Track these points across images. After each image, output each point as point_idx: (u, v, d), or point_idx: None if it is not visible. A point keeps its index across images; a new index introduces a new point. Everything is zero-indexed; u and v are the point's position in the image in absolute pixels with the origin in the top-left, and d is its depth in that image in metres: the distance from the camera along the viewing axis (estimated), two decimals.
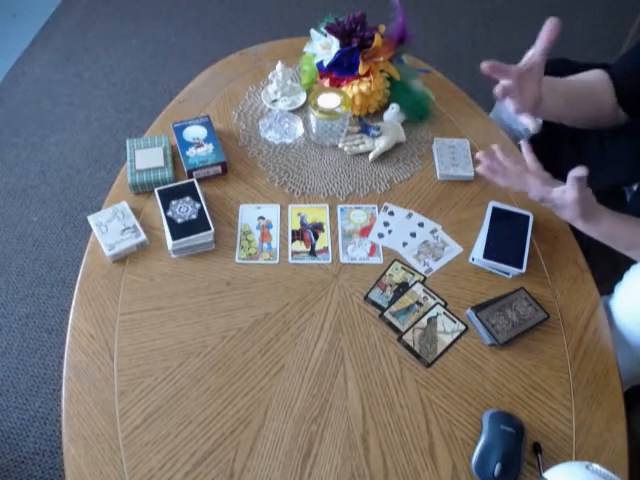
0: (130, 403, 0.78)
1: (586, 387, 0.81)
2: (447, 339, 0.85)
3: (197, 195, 0.97)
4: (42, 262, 1.53)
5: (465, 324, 0.86)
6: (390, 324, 0.86)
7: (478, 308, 0.86)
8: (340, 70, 1.08)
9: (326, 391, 0.80)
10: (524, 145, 0.87)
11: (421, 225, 0.98)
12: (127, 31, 2.24)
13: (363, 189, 1.04)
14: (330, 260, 0.93)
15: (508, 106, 0.83)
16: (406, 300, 0.89)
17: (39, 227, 1.61)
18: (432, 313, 0.87)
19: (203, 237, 0.92)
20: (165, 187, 0.98)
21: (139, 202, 1.00)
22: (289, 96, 1.17)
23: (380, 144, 1.07)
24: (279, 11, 2.32)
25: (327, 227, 0.98)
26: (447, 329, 0.86)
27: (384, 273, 0.92)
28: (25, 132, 1.86)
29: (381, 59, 1.08)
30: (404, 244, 0.96)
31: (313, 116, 1.05)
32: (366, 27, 1.07)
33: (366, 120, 1.12)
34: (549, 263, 0.93)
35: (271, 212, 1.00)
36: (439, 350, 0.84)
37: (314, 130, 1.08)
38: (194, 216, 0.94)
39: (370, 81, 1.07)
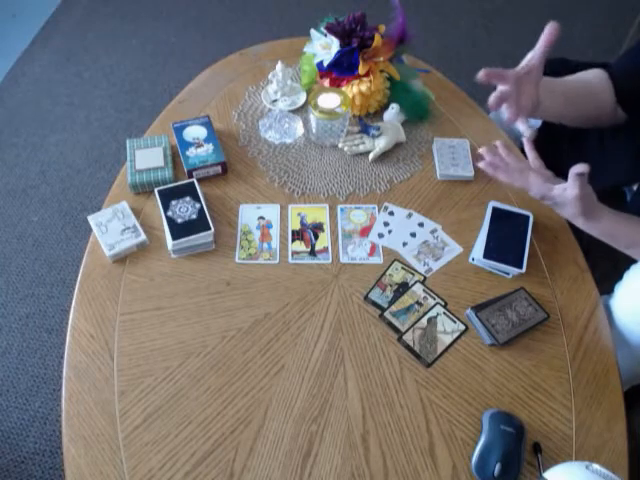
0: (130, 403, 0.78)
1: (586, 387, 0.81)
2: (447, 339, 0.85)
3: (197, 195, 0.97)
4: (42, 262, 1.53)
5: (465, 324, 0.86)
6: (390, 324, 0.86)
7: (478, 308, 0.86)
8: (340, 70, 1.08)
9: (326, 391, 0.80)
10: (526, 143, 0.87)
11: (421, 225, 0.98)
12: (127, 31, 2.24)
13: (363, 189, 1.04)
14: (330, 260, 0.93)
15: (502, 114, 0.84)
16: (406, 300, 0.89)
17: (39, 227, 1.61)
18: (432, 313, 0.87)
19: (203, 237, 0.92)
20: (165, 187, 0.98)
21: (139, 202, 1.00)
22: (289, 96, 1.17)
23: (380, 144, 1.07)
24: (279, 11, 2.32)
25: (327, 227, 0.98)
26: (447, 329, 0.86)
27: (384, 273, 0.92)
28: (25, 132, 1.87)
29: (381, 59, 1.08)
30: (404, 244, 0.96)
31: (313, 116, 1.05)
32: (366, 27, 1.07)
33: (366, 120, 1.12)
34: (549, 263, 0.93)
35: (271, 212, 1.00)
36: (439, 350, 0.84)
37: (314, 130, 1.08)
38: (194, 216, 0.94)
39: (370, 81, 1.07)
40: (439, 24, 2.28)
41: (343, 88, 1.09)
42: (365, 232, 0.97)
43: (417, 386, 0.80)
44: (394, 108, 1.10)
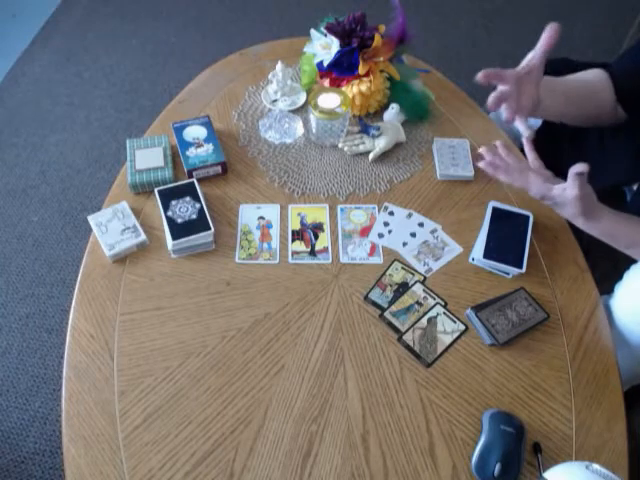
0: (130, 403, 0.78)
1: (586, 387, 0.81)
2: (447, 339, 0.85)
3: (197, 195, 0.97)
4: (42, 262, 1.53)
5: (465, 324, 0.86)
6: (390, 324, 0.86)
7: (478, 308, 0.86)
8: (340, 70, 1.08)
9: (326, 391, 0.80)
10: (526, 143, 0.87)
11: (421, 225, 0.98)
12: (127, 31, 2.24)
13: (363, 189, 1.04)
14: (330, 260, 0.93)
15: (501, 114, 0.84)
16: (406, 300, 0.89)
17: (39, 227, 1.61)
18: (432, 313, 0.87)
19: (203, 237, 0.92)
20: (165, 187, 0.98)
21: (139, 202, 1.00)
22: (289, 96, 1.17)
23: (380, 144, 1.07)
24: (279, 11, 2.32)
25: (327, 227, 0.98)
26: (447, 329, 0.86)
27: (384, 273, 0.92)
28: (25, 132, 1.87)
29: (381, 59, 1.08)
30: (404, 244, 0.96)
31: (313, 116, 1.05)
32: (366, 27, 1.07)
33: (366, 120, 1.12)
34: (549, 263, 0.93)
35: (271, 212, 1.00)
36: (439, 350, 0.84)
37: (314, 130, 1.08)
38: (194, 216, 0.94)
39: (370, 81, 1.07)
40: (439, 24, 2.28)
41: (343, 88, 1.09)
42: (365, 232, 0.97)
43: (417, 386, 0.80)
44: (394, 108, 1.10)
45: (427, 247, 0.95)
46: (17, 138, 1.85)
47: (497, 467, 0.71)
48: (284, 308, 0.88)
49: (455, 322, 0.86)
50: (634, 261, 0.90)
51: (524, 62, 0.80)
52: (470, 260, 0.94)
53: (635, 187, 1.09)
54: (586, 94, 0.94)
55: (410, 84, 1.13)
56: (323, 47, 1.09)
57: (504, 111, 0.83)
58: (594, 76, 0.95)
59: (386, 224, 0.98)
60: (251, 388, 0.80)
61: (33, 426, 1.25)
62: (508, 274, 0.91)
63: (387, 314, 0.87)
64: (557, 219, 0.98)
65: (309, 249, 0.95)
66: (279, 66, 1.14)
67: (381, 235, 0.97)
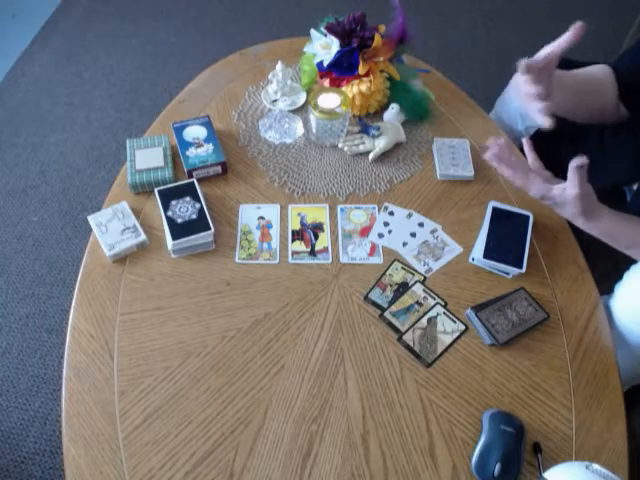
0: (130, 403, 0.78)
1: (586, 387, 0.81)
2: (447, 339, 0.85)
3: (197, 195, 0.97)
4: (42, 262, 1.53)
5: (465, 324, 0.86)
6: (390, 324, 0.86)
7: (478, 308, 0.86)
8: (340, 70, 1.08)
9: (326, 391, 0.80)
10: (526, 143, 0.87)
11: (421, 225, 0.98)
12: (127, 31, 2.24)
13: (363, 189, 1.04)
14: (330, 260, 0.93)
15: (501, 114, 0.82)
16: (406, 300, 0.89)
17: (39, 227, 1.61)
18: (432, 313, 0.87)
19: (203, 237, 0.92)
20: (165, 187, 0.98)
21: (139, 202, 1.00)
22: (289, 96, 1.17)
23: (380, 144, 1.07)
24: (279, 11, 2.32)
25: (327, 227, 0.98)
26: (447, 329, 0.86)
27: (384, 273, 0.92)
28: (25, 132, 1.87)
29: (381, 59, 1.08)
30: (404, 244, 0.96)
31: (313, 116, 1.05)
32: (366, 27, 1.07)
33: (366, 120, 1.12)
34: (549, 263, 0.93)
35: (271, 212, 1.00)
36: (439, 350, 0.84)
37: (314, 130, 1.08)
38: (194, 216, 0.94)
39: (370, 81, 1.07)
40: (439, 24, 2.28)
41: (343, 88, 1.09)
42: (365, 232, 0.97)
43: (417, 386, 0.80)
44: (394, 108, 1.10)
45: (427, 247, 0.95)
46: (17, 138, 1.85)
47: (497, 467, 0.71)
48: (284, 308, 0.88)
49: (455, 322, 0.86)
50: (634, 261, 0.90)
51: (541, 54, 0.78)
52: (470, 260, 0.94)
53: (635, 187, 1.09)
54: (592, 89, 0.93)
55: (410, 84, 1.13)
56: (323, 47, 1.09)
57: (535, 90, 0.80)
58: (599, 70, 0.94)
59: (386, 224, 0.98)
60: (251, 388, 0.80)
61: (33, 426, 1.25)
62: (508, 274, 0.91)
63: (387, 314, 0.87)
64: (557, 219, 0.98)
65: (309, 249, 0.95)
66: (279, 66, 1.14)
67: (381, 235, 0.97)
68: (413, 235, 0.97)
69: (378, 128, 1.07)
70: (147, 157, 1.03)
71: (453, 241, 0.96)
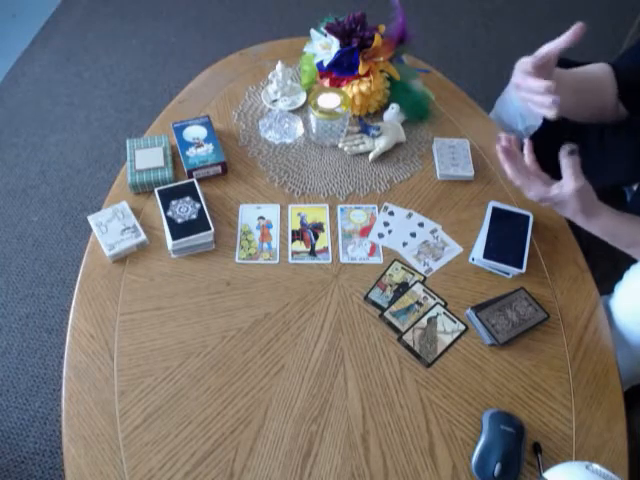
0: (130, 403, 0.78)
1: (586, 387, 0.81)
2: (447, 339, 0.85)
3: (197, 195, 0.97)
4: (42, 262, 1.53)
5: (465, 324, 0.86)
6: (390, 324, 0.86)
7: (478, 308, 0.86)
8: (340, 70, 1.08)
9: (326, 391, 0.80)
10: (527, 144, 0.87)
11: (421, 225, 0.98)
12: (127, 31, 2.24)
13: (363, 189, 1.04)
14: (330, 260, 0.93)
15: (501, 114, 0.82)
16: (406, 300, 0.89)
17: (39, 227, 1.61)
18: (432, 313, 0.87)
19: (203, 237, 0.92)
20: (165, 187, 0.98)
21: (139, 202, 1.00)
22: (289, 96, 1.17)
23: (380, 144, 1.07)
24: (279, 11, 2.32)
25: (327, 227, 0.98)
26: (447, 329, 0.86)
27: (384, 273, 0.92)
28: (25, 132, 1.86)
29: (381, 59, 1.08)
30: (404, 244, 0.96)
31: (313, 116, 1.05)
32: (366, 27, 1.07)
33: (366, 120, 1.12)
34: (549, 263, 0.93)
35: (271, 212, 1.00)
36: (439, 350, 0.84)
37: (314, 130, 1.08)
38: (194, 216, 0.94)
39: (370, 81, 1.07)
40: (439, 24, 2.28)
41: (343, 88, 1.09)
42: (365, 232, 0.97)
43: (417, 386, 0.80)
44: (394, 108, 1.10)
45: (427, 247, 0.95)
46: (17, 138, 1.85)
47: (497, 467, 0.71)
48: (284, 308, 0.88)
49: (455, 322, 0.86)
50: (634, 261, 0.90)
51: (540, 53, 0.78)
52: (470, 260, 0.94)
53: (635, 187, 1.09)
54: (592, 87, 0.93)
55: (410, 84, 1.13)
56: (323, 47, 1.09)
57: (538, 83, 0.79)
58: (599, 69, 0.94)
59: (386, 224, 0.98)
60: (251, 388, 0.80)
61: (33, 426, 1.25)
62: (508, 274, 0.91)
63: (387, 314, 0.87)
64: (557, 219, 0.98)
65: (309, 249, 0.95)
66: (279, 66, 1.14)
67: (381, 235, 0.97)
68: (413, 235, 0.97)
69: (378, 128, 1.07)
70: (147, 157, 1.03)
71: (453, 241, 0.96)
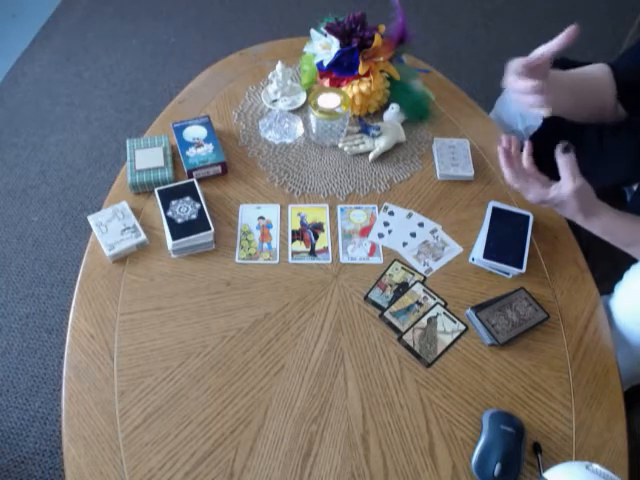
0: (130, 403, 0.78)
1: (586, 387, 0.81)
2: (447, 339, 0.85)
3: (197, 195, 0.97)
4: (42, 262, 1.53)
5: (465, 324, 0.86)
6: (390, 324, 0.86)
7: (478, 308, 0.86)
8: (340, 70, 1.08)
9: (326, 391, 0.80)
10: (527, 145, 0.87)
11: (421, 225, 0.98)
12: (127, 31, 2.24)
13: (363, 189, 1.04)
14: (330, 260, 0.93)
15: (501, 114, 0.83)
16: (406, 300, 0.89)
17: (39, 227, 1.61)
18: (432, 313, 0.87)
19: (203, 237, 0.92)
20: (165, 187, 0.98)
21: (139, 202, 1.00)
22: (289, 96, 1.17)
23: (380, 144, 1.07)
24: (279, 11, 2.32)
25: (327, 227, 0.98)
26: (447, 329, 0.86)
27: (384, 273, 0.92)
28: (25, 132, 1.87)
29: (381, 59, 1.08)
30: (404, 244, 0.96)
31: (313, 116, 1.05)
32: (366, 27, 1.07)
33: (366, 120, 1.12)
34: (549, 263, 0.93)
35: (271, 212, 1.00)
36: (439, 350, 0.84)
37: (314, 130, 1.08)
38: (194, 216, 0.94)
39: (370, 81, 1.07)
40: (439, 24, 2.28)
41: (343, 88, 1.09)
42: (365, 232, 0.97)
43: (417, 386, 0.80)
44: (394, 108, 1.10)
45: (427, 247, 0.95)
46: (17, 138, 1.85)
47: (497, 467, 0.71)
48: (284, 308, 0.88)
49: (455, 322, 0.86)
50: (634, 261, 0.90)
51: (536, 54, 0.79)
52: (470, 260, 0.94)
53: (635, 187, 1.09)
54: (590, 88, 0.93)
55: (410, 84, 1.13)
56: (323, 47, 1.09)
57: (535, 97, 0.81)
58: (598, 70, 0.94)
59: (386, 224, 0.98)
60: (251, 388, 0.80)
61: (33, 426, 1.25)
62: (508, 274, 0.91)
63: (387, 314, 0.87)
64: (557, 219, 0.98)
65: (309, 249, 0.95)
66: (279, 66, 1.14)
67: (381, 235, 0.97)
68: (413, 235, 0.97)
69: (378, 128, 1.07)
70: (147, 157, 1.03)
71: (453, 241, 0.96)
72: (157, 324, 0.85)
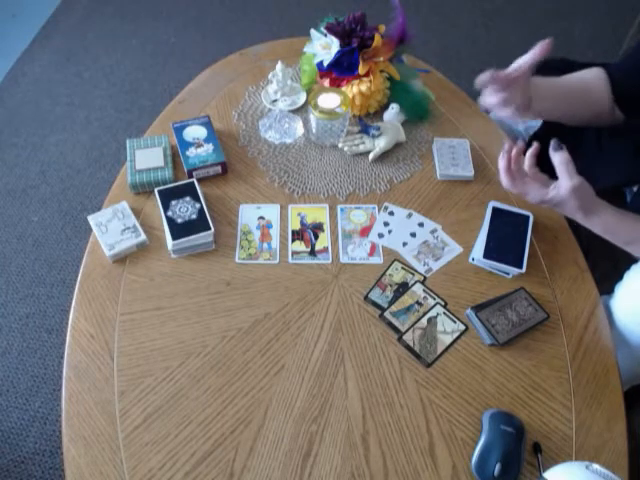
0: (130, 403, 0.78)
1: (586, 387, 0.81)
2: (447, 339, 0.85)
3: (197, 195, 0.97)
4: (42, 262, 1.53)
5: (465, 324, 0.86)
6: (390, 324, 0.86)
7: (478, 308, 0.86)
8: (340, 70, 1.08)
9: (326, 391, 0.80)
10: (533, 147, 0.87)
11: (421, 225, 0.98)
12: (127, 31, 2.24)
13: (363, 189, 1.04)
14: (330, 260, 0.93)
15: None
16: (406, 300, 0.89)
17: (39, 227, 1.61)
18: (432, 313, 0.87)
19: (203, 237, 0.92)
20: (165, 187, 0.98)
21: (139, 202, 1.00)
22: (289, 96, 1.17)
23: (380, 144, 1.07)
24: (279, 11, 2.32)
25: (327, 227, 0.98)
26: (447, 329, 0.86)
27: (384, 273, 0.92)
28: (25, 132, 1.87)
29: (381, 59, 1.08)
30: (404, 244, 0.96)
31: (313, 116, 1.05)
32: (366, 27, 1.07)
33: (366, 120, 1.12)
34: (549, 263, 0.93)
35: (271, 212, 1.00)
36: (439, 350, 0.84)
37: (314, 130, 1.08)
38: (194, 216, 0.94)
39: (370, 81, 1.07)
40: (439, 24, 2.28)
41: (343, 88, 1.09)
42: (365, 232, 0.97)
43: (417, 386, 0.80)
44: (394, 108, 1.10)
45: (427, 247, 0.95)
46: (17, 138, 1.85)
47: (497, 467, 0.71)
48: (284, 308, 0.88)
49: (455, 322, 0.86)
50: (634, 261, 0.90)
51: (513, 66, 0.83)
52: (470, 260, 0.94)
53: (635, 188, 1.09)
54: (584, 95, 0.94)
55: (410, 84, 1.13)
56: (323, 47, 1.09)
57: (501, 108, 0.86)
58: (593, 76, 0.95)
59: (386, 224, 0.98)
60: (251, 388, 0.80)
61: (33, 426, 1.25)
62: (508, 274, 0.91)
63: (387, 314, 0.87)
64: (557, 219, 0.98)
65: (309, 249, 0.95)
66: (279, 66, 1.14)
67: (381, 235, 0.97)
68: (413, 235, 0.97)
69: (378, 128, 1.07)
70: (147, 157, 1.03)
71: (453, 241, 0.96)
72: (157, 324, 0.85)
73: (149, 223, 0.97)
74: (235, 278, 0.91)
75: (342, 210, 1.00)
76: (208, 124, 1.08)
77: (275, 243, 0.95)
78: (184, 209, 0.95)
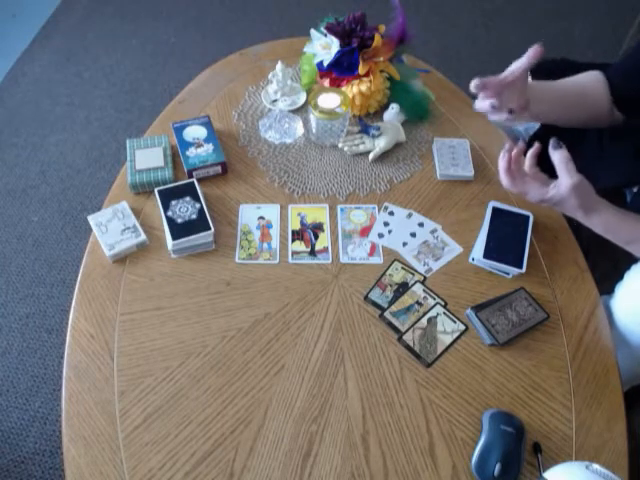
0: (130, 403, 0.78)
1: (586, 387, 0.81)
2: (447, 339, 0.85)
3: (197, 195, 0.97)
4: (42, 262, 1.53)
5: (465, 324, 0.86)
6: (390, 324, 0.86)
7: (478, 308, 0.86)
8: (340, 70, 1.08)
9: (326, 391, 0.80)
10: (534, 147, 0.87)
11: (421, 225, 0.98)
12: (127, 31, 2.24)
13: (363, 189, 1.04)
14: (330, 260, 0.93)
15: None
16: (406, 300, 0.89)
17: (39, 227, 1.61)
18: (432, 313, 0.87)
19: (203, 237, 0.92)
20: (165, 187, 0.98)
21: (139, 202, 1.00)
22: (289, 96, 1.17)
23: (380, 144, 1.07)
24: (279, 11, 2.32)
25: (327, 227, 0.98)
26: (447, 329, 0.86)
27: (384, 273, 0.92)
28: (25, 132, 1.87)
29: (381, 59, 1.08)
30: (404, 244, 0.96)
31: (313, 116, 1.05)
32: (366, 27, 1.07)
33: (366, 120, 1.12)
34: (549, 263, 0.93)
35: (271, 212, 1.00)
36: (439, 350, 0.84)
37: (314, 130, 1.08)
38: (194, 216, 0.94)
39: (370, 81, 1.07)
40: (439, 24, 2.28)
41: (343, 88, 1.09)
42: (365, 232, 0.97)
43: (417, 386, 0.80)
44: (394, 108, 1.10)
45: (427, 247, 0.95)
46: (17, 138, 1.85)
47: (497, 467, 0.71)
48: (284, 308, 0.88)
49: (455, 322, 0.86)
50: (635, 261, 0.90)
51: (507, 71, 0.83)
52: (470, 260, 0.94)
53: (635, 189, 1.09)
54: (581, 98, 0.95)
55: (410, 84, 1.13)
56: (323, 47, 1.09)
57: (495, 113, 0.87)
58: (590, 79, 0.95)
59: (386, 224, 0.98)
60: (251, 388, 0.80)
61: (33, 426, 1.25)
62: (508, 274, 0.91)
63: (387, 314, 0.87)
64: (557, 219, 0.98)
65: (309, 249, 0.95)
66: (279, 66, 1.14)
67: (381, 235, 0.97)
68: (413, 235, 0.97)
69: (378, 128, 1.07)
70: (147, 157, 1.03)
71: (453, 241, 0.96)
72: (157, 324, 0.85)
73: (149, 223, 0.97)
74: (235, 278, 0.91)
75: (342, 210, 1.00)
76: (208, 124, 1.08)
77: (275, 243, 0.95)
78: (184, 209, 0.95)
